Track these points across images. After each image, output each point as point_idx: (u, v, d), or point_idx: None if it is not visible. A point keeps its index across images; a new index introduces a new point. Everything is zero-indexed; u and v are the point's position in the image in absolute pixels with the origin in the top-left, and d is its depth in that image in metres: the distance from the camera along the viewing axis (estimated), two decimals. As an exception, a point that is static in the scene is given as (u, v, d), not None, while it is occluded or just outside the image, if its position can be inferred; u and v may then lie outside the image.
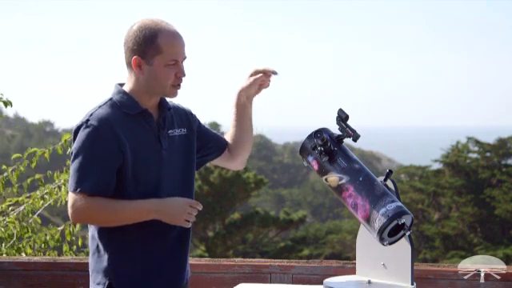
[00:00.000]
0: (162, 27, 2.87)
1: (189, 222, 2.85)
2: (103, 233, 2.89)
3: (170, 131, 2.96)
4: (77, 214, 2.82)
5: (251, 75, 3.12)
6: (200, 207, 2.86)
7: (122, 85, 2.96)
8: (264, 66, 3.12)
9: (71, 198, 2.82)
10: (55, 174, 5.59)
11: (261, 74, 3.11)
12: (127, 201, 2.83)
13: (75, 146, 2.84)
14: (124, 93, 2.92)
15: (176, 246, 2.95)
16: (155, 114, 2.96)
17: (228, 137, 3.20)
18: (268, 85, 3.14)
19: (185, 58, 2.92)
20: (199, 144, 3.09)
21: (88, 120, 2.84)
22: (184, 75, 2.91)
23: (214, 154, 3.17)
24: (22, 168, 5.58)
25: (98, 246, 2.90)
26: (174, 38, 2.88)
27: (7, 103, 5.63)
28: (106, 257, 2.87)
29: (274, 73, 3.12)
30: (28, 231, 5.54)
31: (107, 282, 2.86)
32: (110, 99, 2.92)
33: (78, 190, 2.79)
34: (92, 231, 2.93)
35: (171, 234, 2.91)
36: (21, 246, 5.55)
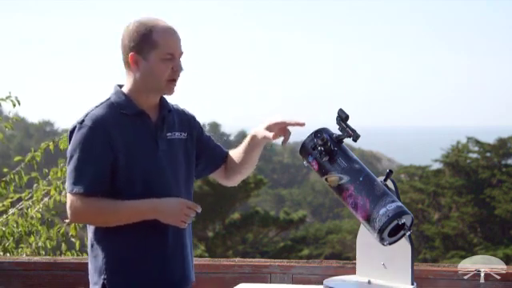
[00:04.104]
0: (156, 23, 2.90)
1: (185, 222, 2.85)
2: (98, 232, 2.90)
3: (168, 134, 2.97)
4: (74, 215, 2.86)
5: (275, 125, 3.03)
6: (199, 209, 2.85)
7: (121, 86, 2.98)
8: (290, 119, 3.01)
9: (69, 198, 2.85)
10: (51, 171, 5.60)
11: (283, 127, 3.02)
12: (124, 201, 2.83)
13: (70, 146, 2.87)
14: (121, 93, 2.94)
15: (173, 249, 2.93)
16: (154, 114, 2.96)
17: (234, 155, 3.17)
18: (288, 137, 3.04)
19: (181, 53, 2.93)
20: (196, 153, 3.09)
21: (83, 121, 2.87)
22: (182, 69, 2.92)
23: (208, 169, 3.17)
24: (23, 174, 5.60)
25: (93, 246, 2.91)
26: (169, 33, 2.90)
27: (14, 103, 5.66)
28: (101, 257, 2.88)
29: (301, 125, 3.00)
30: (36, 227, 5.56)
31: (101, 282, 2.87)
32: (108, 99, 2.94)
33: (74, 190, 2.82)
34: (88, 231, 2.95)
35: (168, 235, 2.89)
36: (22, 244, 5.56)
